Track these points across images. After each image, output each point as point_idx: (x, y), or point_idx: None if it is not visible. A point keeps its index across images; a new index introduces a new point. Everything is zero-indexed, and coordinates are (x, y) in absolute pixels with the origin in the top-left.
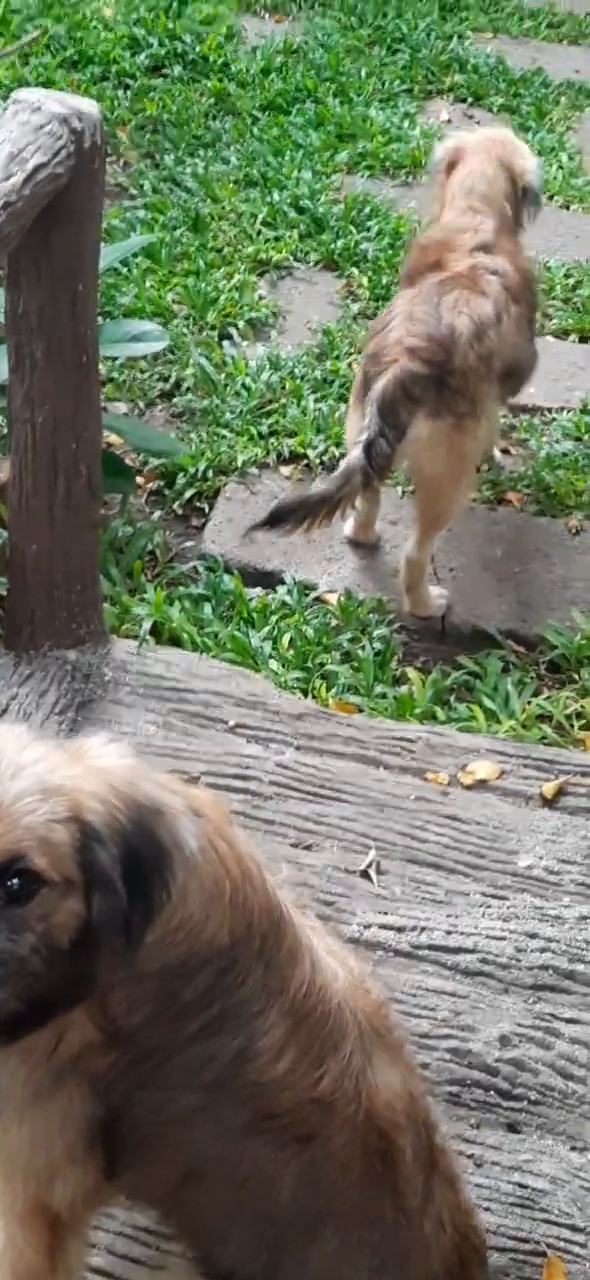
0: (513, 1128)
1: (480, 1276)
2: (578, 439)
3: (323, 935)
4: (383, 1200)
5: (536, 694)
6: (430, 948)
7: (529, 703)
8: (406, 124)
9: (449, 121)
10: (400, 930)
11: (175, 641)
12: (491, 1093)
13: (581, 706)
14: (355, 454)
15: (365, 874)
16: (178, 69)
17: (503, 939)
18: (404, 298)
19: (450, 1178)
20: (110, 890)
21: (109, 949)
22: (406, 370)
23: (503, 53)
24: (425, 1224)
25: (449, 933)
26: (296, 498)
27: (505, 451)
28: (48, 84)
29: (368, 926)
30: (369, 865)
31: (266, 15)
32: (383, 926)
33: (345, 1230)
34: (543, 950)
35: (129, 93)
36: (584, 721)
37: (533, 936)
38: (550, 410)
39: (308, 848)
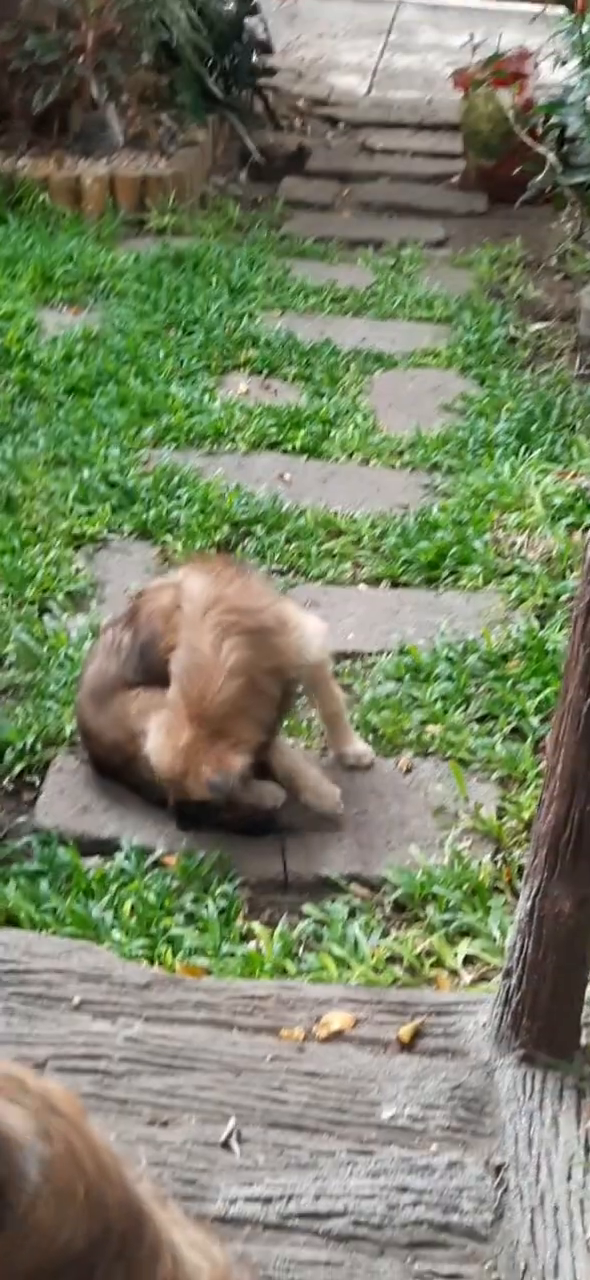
0: None
1: None
2: (399, 680)
3: (184, 1227)
4: None
5: (385, 935)
6: (300, 1216)
7: (378, 946)
8: (207, 397)
9: (247, 393)
10: (267, 1201)
11: (12, 921)
12: None
13: (430, 944)
14: None
15: (226, 1145)
16: None
17: (373, 1197)
18: None
19: None
20: None
21: None
22: None
23: (292, 328)
24: None
25: (317, 1197)
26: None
27: None
28: None
29: (233, 1201)
30: (229, 1135)
31: (64, 307)
32: (249, 1199)
33: None
34: (415, 1204)
35: None
36: (434, 959)
37: (403, 1190)
38: (370, 654)
39: (164, 1124)
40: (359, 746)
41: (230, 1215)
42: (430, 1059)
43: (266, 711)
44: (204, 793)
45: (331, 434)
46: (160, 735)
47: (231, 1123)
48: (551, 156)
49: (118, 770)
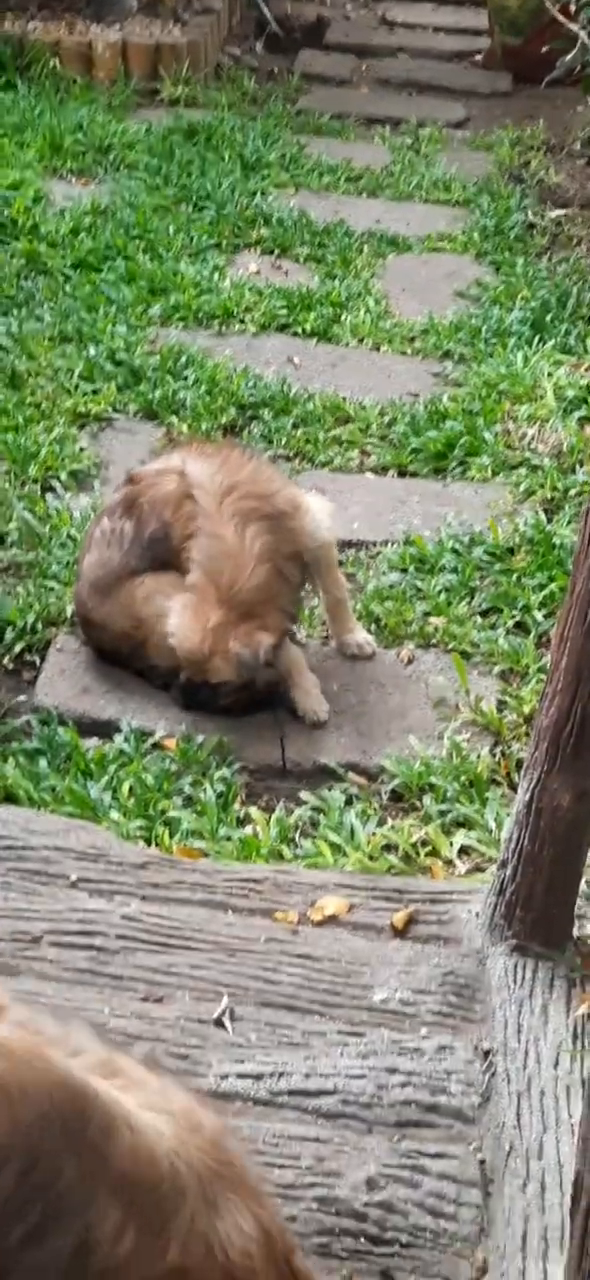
0: (386, 1274)
1: None
2: (403, 570)
3: (140, 1086)
4: None
5: (381, 824)
6: (290, 1093)
7: (374, 834)
8: (217, 276)
9: (258, 272)
10: (258, 1078)
11: (11, 799)
12: (362, 1239)
13: (426, 834)
14: None
15: (219, 1022)
16: None
17: (363, 1077)
18: None
19: None
20: None
21: None
22: None
23: (305, 206)
24: None
25: (308, 1075)
26: None
27: None
28: None
29: (225, 1077)
30: (222, 1013)
31: (73, 178)
32: (240, 1075)
33: None
34: (404, 1085)
35: None
36: (429, 848)
37: (393, 1072)
38: (375, 544)
39: (158, 1000)
40: (361, 635)
41: (221, 1090)
42: (423, 945)
43: (289, 599)
44: (228, 673)
45: (342, 318)
46: (185, 616)
47: (225, 1001)
48: (584, 35)
49: (125, 658)
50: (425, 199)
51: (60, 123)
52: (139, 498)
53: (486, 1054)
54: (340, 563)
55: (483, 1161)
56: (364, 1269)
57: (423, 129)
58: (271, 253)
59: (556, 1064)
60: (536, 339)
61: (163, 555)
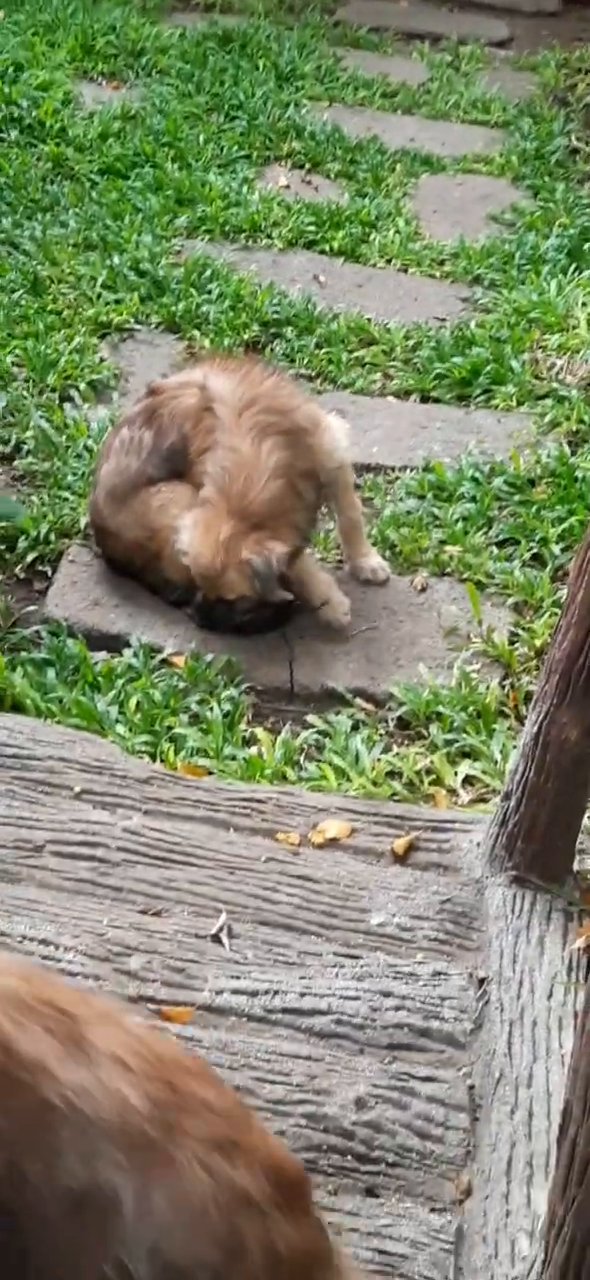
0: (371, 1192)
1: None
2: (421, 497)
3: None
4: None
5: (386, 751)
6: (284, 1011)
7: (379, 760)
8: (245, 189)
9: (287, 187)
10: (253, 994)
11: (18, 708)
12: (349, 1157)
13: (431, 762)
14: None
15: (216, 938)
16: (14, 133)
17: (357, 999)
18: None
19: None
20: None
21: None
22: None
23: (339, 121)
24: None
25: (302, 995)
26: None
27: None
28: None
29: (219, 992)
30: (220, 929)
31: (103, 81)
32: (235, 991)
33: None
34: (397, 1009)
35: None
36: (433, 777)
37: (387, 995)
38: (393, 469)
39: (157, 914)
40: (375, 560)
41: (216, 1005)
42: (422, 872)
43: (303, 517)
44: (243, 587)
45: (371, 237)
46: (197, 532)
47: (222, 918)
48: None
49: (138, 570)
50: (462, 119)
51: (92, 23)
52: (160, 408)
53: (481, 982)
54: (358, 486)
55: (472, 1087)
56: (349, 1185)
57: (464, 46)
58: (302, 167)
59: (550, 995)
60: (572, 267)
61: (180, 467)
